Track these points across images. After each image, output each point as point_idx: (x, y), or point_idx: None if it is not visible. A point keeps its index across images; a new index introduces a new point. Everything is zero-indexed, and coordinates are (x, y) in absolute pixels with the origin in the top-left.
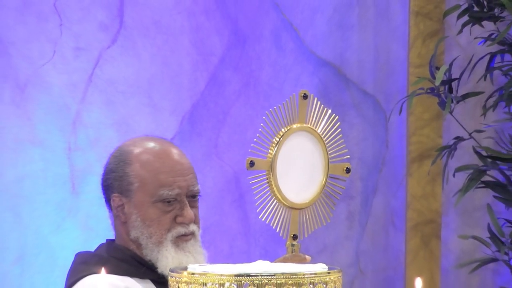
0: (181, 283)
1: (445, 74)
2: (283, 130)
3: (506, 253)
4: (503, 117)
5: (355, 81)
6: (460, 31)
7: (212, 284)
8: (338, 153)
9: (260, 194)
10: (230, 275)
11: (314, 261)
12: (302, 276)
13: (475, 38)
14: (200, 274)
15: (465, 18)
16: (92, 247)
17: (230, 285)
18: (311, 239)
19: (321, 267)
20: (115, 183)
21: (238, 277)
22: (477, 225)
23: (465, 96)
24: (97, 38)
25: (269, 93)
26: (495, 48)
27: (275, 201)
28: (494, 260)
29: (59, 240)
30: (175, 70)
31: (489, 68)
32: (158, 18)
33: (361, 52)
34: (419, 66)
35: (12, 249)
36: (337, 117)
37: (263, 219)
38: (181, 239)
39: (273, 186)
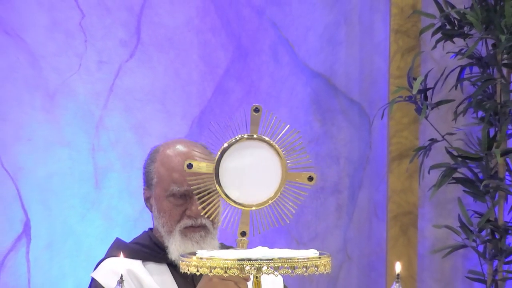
0: (191, 267)
1: (421, 84)
2: (236, 138)
3: (474, 240)
4: (472, 121)
5: (343, 90)
6: (434, 47)
7: (218, 268)
8: (301, 163)
9: (203, 193)
10: (233, 260)
11: (307, 247)
12: (297, 260)
13: (447, 53)
14: (207, 258)
15: (439, 35)
16: (112, 235)
17: (234, 268)
18: (304, 228)
19: (313, 253)
20: (145, 177)
21: (241, 261)
22: (449, 216)
23: (439, 103)
24: (117, 52)
25: (267, 100)
26: (464, 61)
27: (222, 200)
28: (464, 246)
29: (84, 229)
30: (186, 81)
31: (459, 79)
32: (170, 35)
33: (348, 65)
34: (399, 77)
35: (43, 237)
36: (298, 131)
37: (205, 216)
38: (189, 230)
39: (217, 187)
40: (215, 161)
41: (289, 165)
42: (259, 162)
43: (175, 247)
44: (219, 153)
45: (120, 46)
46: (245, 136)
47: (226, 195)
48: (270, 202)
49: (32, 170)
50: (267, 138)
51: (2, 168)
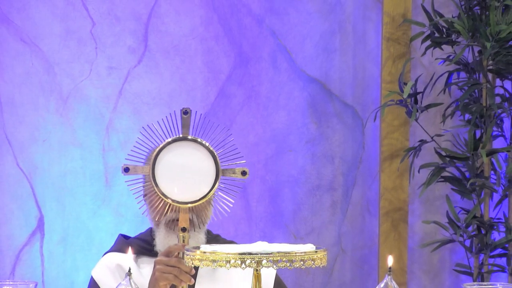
0: (195, 260)
1: (411, 88)
2: (168, 141)
3: (461, 235)
4: (459, 124)
5: (337, 94)
6: (424, 53)
7: (220, 261)
8: (233, 159)
9: (140, 194)
10: (235, 254)
11: (303, 241)
12: (294, 254)
13: (436, 59)
14: (210, 252)
15: (428, 42)
16: (121, 230)
17: (235, 261)
18: (301, 223)
19: (309, 247)
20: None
21: (242, 255)
22: (438, 212)
23: (428, 107)
24: (126, 59)
25: (267, 104)
26: (452, 67)
27: (161, 199)
28: (451, 241)
29: (95, 224)
30: (190, 85)
31: (447, 84)
32: (176, 43)
33: (342, 71)
34: (390, 82)
35: (57, 232)
36: (228, 129)
37: (145, 215)
38: (174, 223)
39: (154, 187)
40: (151, 162)
41: (222, 162)
42: (193, 161)
43: (159, 240)
44: (153, 155)
45: (128, 53)
46: (177, 137)
47: (163, 194)
48: (207, 198)
49: (47, 169)
50: (199, 139)
51: (18, 168)
